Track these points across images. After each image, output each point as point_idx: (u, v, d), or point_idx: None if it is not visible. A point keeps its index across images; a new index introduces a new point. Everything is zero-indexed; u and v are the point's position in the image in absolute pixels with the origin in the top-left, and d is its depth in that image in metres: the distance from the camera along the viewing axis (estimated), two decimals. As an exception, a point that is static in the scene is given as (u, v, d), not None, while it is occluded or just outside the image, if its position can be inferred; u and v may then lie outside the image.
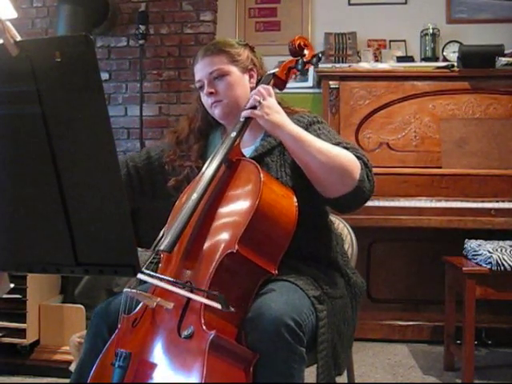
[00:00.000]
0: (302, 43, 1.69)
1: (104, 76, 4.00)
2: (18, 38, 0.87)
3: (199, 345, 1.19)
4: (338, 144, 1.49)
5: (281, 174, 1.53)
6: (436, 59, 3.65)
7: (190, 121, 1.73)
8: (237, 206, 1.38)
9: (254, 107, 1.46)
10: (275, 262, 1.36)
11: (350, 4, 3.89)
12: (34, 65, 0.85)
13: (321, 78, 3.36)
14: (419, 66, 3.51)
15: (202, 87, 1.64)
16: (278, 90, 1.66)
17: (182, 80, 3.94)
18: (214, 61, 1.61)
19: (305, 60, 1.66)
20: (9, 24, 0.90)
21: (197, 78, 1.65)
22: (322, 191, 1.47)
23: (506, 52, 3.20)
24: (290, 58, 1.69)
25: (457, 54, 3.35)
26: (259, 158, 1.55)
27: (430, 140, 3.14)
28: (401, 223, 2.85)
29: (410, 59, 3.65)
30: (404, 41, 3.81)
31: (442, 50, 3.71)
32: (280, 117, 1.45)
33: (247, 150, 1.59)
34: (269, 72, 1.66)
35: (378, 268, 3.14)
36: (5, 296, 2.31)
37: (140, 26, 3.77)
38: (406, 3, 3.84)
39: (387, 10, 3.82)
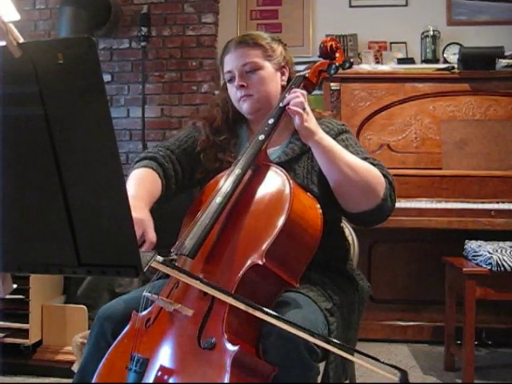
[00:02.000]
0: (334, 45, 1.64)
1: (106, 78, 4.00)
2: (21, 40, 0.87)
3: (221, 358, 1.15)
4: (365, 159, 1.46)
5: (307, 181, 1.49)
6: (436, 61, 3.66)
7: (221, 108, 1.64)
8: (265, 217, 1.32)
9: (302, 109, 1.39)
10: (298, 275, 1.33)
11: (350, 6, 3.90)
12: (36, 66, 0.85)
13: (322, 80, 3.37)
14: (420, 67, 3.52)
15: (231, 79, 1.57)
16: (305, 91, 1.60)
17: (184, 82, 3.95)
18: (249, 53, 1.55)
19: (337, 64, 1.60)
20: (11, 26, 0.89)
21: (227, 68, 1.57)
22: (344, 205, 1.44)
23: (506, 54, 3.19)
24: (321, 60, 1.63)
25: (457, 56, 3.35)
26: (286, 162, 1.50)
27: (430, 141, 3.15)
28: (401, 224, 2.85)
29: (411, 61, 3.65)
30: (405, 43, 3.82)
31: (443, 52, 3.72)
32: (315, 125, 1.40)
33: (273, 151, 1.55)
34: (299, 74, 1.61)
35: (378, 269, 3.14)
36: (8, 296, 2.29)
37: (142, 28, 3.78)
38: (406, 5, 3.84)
39: (388, 12, 3.83)
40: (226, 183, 1.36)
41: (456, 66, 3.27)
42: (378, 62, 3.70)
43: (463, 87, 3.17)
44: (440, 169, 3.00)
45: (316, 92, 3.64)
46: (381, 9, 3.84)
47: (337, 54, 1.64)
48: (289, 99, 1.43)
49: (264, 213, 1.33)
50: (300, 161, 1.52)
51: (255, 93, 1.54)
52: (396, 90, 3.22)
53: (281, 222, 1.27)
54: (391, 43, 3.83)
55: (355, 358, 1.22)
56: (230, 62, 1.56)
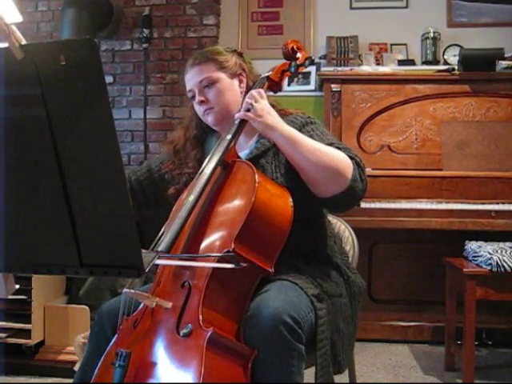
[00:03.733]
0: (294, 46, 1.71)
1: (108, 79, 4.01)
2: (23, 42, 0.87)
3: (197, 342, 1.21)
4: (330, 144, 1.51)
5: (276, 175, 1.55)
6: (437, 63, 3.66)
7: (185, 130, 1.76)
8: (233, 206, 1.40)
9: (247, 110, 1.48)
10: (271, 260, 1.38)
11: (351, 8, 3.91)
12: (38, 68, 0.85)
13: (323, 81, 3.38)
14: (420, 69, 3.52)
15: (193, 97, 1.65)
16: (272, 93, 1.68)
17: (186, 83, 3.96)
18: (203, 69, 1.63)
19: (298, 63, 1.67)
20: (14, 28, 0.89)
21: (188, 87, 1.66)
22: (315, 191, 1.48)
23: (506, 55, 3.21)
24: (284, 61, 1.71)
25: (457, 58, 3.37)
26: (254, 159, 1.56)
27: (430, 142, 3.16)
28: (402, 225, 2.87)
29: (411, 63, 3.66)
30: (405, 44, 3.83)
31: (443, 54, 3.72)
32: (272, 118, 1.47)
33: (243, 154, 1.61)
34: (263, 75, 1.68)
35: (379, 269, 3.15)
36: (10, 297, 2.31)
37: (144, 29, 3.79)
38: (407, 7, 3.85)
39: (388, 14, 3.84)
40: (197, 182, 1.43)
41: (456, 67, 3.28)
42: (378, 64, 3.71)
43: (463, 89, 3.19)
44: (440, 170, 3.01)
45: (317, 93, 3.71)
46: (381, 11, 3.85)
47: (298, 55, 1.70)
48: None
49: (233, 203, 1.41)
50: (266, 156, 1.58)
51: (215, 105, 1.62)
52: (396, 92, 3.23)
53: (247, 207, 1.34)
54: (392, 45, 3.84)
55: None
56: (189, 81, 1.65)
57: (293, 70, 1.67)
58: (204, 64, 1.63)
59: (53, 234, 0.94)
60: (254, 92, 1.52)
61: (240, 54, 1.73)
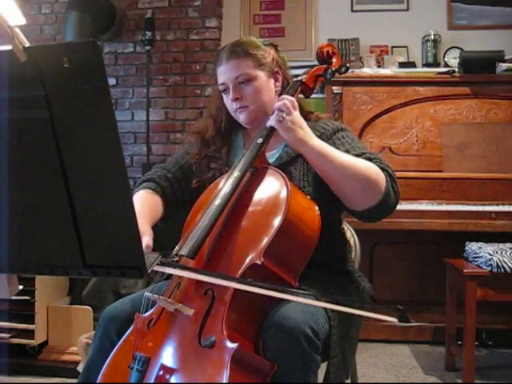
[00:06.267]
0: (330, 51, 1.66)
1: (111, 81, 4.04)
2: (27, 44, 0.87)
3: (221, 356, 1.16)
4: (361, 154, 1.46)
5: (303, 183, 1.50)
6: (437, 65, 3.68)
7: (213, 120, 1.66)
8: (263, 217, 1.34)
9: (278, 121, 1.40)
10: (297, 274, 1.35)
11: (352, 11, 3.93)
12: (42, 70, 0.85)
13: (324, 84, 3.40)
14: (421, 71, 3.54)
15: (225, 90, 1.58)
16: (302, 96, 1.63)
17: (188, 85, 3.97)
18: (240, 64, 1.55)
19: (333, 69, 1.62)
20: (17, 30, 0.89)
21: (220, 80, 1.58)
22: (346, 203, 1.44)
23: (506, 58, 3.21)
24: (318, 65, 1.65)
25: (458, 60, 3.37)
26: (283, 165, 1.51)
27: (431, 144, 3.17)
28: (403, 226, 2.87)
29: (412, 65, 3.67)
30: (406, 47, 3.85)
31: (444, 56, 3.74)
32: (303, 132, 1.40)
33: (270, 155, 1.56)
34: (296, 79, 1.62)
35: (380, 270, 3.16)
36: (14, 297, 2.32)
37: (146, 32, 3.80)
38: (407, 10, 3.87)
39: (389, 17, 3.86)
40: (225, 186, 1.38)
41: (457, 69, 3.28)
42: (379, 66, 3.72)
43: (464, 91, 3.19)
44: (441, 171, 3.01)
45: (318, 95, 3.73)
46: (382, 13, 3.87)
47: (333, 59, 1.66)
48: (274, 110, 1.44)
49: (262, 213, 1.35)
50: (296, 163, 1.53)
51: (250, 104, 1.56)
52: (397, 94, 3.24)
53: (278, 221, 1.29)
54: (393, 47, 3.86)
55: (358, 311, 1.26)
56: (223, 74, 1.57)
57: (328, 76, 1.61)
58: (242, 59, 1.55)
59: (56, 234, 0.94)
60: (287, 102, 1.42)
61: (276, 48, 1.65)
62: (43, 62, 0.85)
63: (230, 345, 1.17)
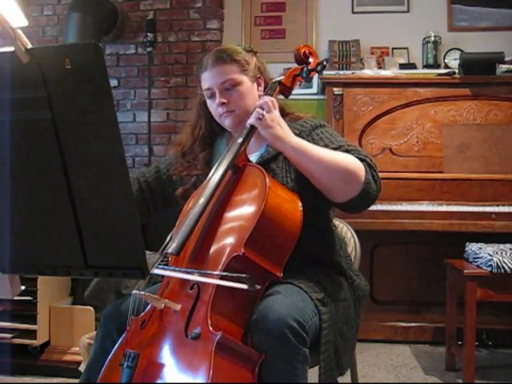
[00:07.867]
0: (307, 51, 1.70)
1: (113, 83, 4.04)
2: (29, 46, 0.88)
3: (206, 345, 1.21)
4: (339, 147, 1.49)
5: (286, 179, 1.53)
6: (438, 66, 3.68)
7: (192, 129, 1.72)
8: (243, 210, 1.39)
9: (258, 118, 1.45)
10: (280, 265, 1.38)
11: (353, 12, 3.93)
12: (44, 72, 0.86)
13: (325, 85, 3.40)
14: (421, 72, 3.54)
15: (211, 96, 1.61)
16: (283, 97, 1.66)
17: (190, 87, 3.97)
18: (226, 70, 1.58)
19: (310, 68, 1.66)
20: (20, 32, 0.90)
21: (206, 85, 1.61)
22: (329, 197, 1.47)
23: (506, 59, 3.22)
24: (296, 65, 1.69)
25: (458, 61, 3.39)
26: (265, 163, 1.55)
27: (431, 145, 3.18)
28: (403, 227, 2.88)
29: (413, 66, 3.68)
30: (406, 48, 3.85)
31: (444, 58, 3.74)
32: (281, 130, 1.44)
33: (253, 156, 1.60)
34: (275, 79, 1.66)
35: (380, 270, 3.17)
36: (16, 298, 2.32)
37: (148, 33, 3.80)
38: (408, 11, 3.88)
39: (390, 18, 3.86)
40: (207, 185, 1.42)
41: (457, 71, 3.29)
42: (380, 68, 3.73)
43: (464, 92, 3.20)
44: (441, 172, 3.02)
45: (319, 97, 3.74)
46: (383, 15, 3.87)
47: (310, 59, 1.69)
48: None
49: (243, 207, 1.40)
50: (277, 161, 1.57)
51: (236, 108, 1.59)
52: (398, 95, 3.25)
53: (257, 212, 1.34)
54: (393, 49, 3.86)
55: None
56: (209, 80, 1.60)
57: (304, 75, 1.65)
58: (228, 65, 1.59)
59: (58, 235, 0.95)
60: (267, 100, 1.48)
61: (256, 54, 1.70)
62: (45, 63, 0.86)
63: (214, 334, 1.22)
